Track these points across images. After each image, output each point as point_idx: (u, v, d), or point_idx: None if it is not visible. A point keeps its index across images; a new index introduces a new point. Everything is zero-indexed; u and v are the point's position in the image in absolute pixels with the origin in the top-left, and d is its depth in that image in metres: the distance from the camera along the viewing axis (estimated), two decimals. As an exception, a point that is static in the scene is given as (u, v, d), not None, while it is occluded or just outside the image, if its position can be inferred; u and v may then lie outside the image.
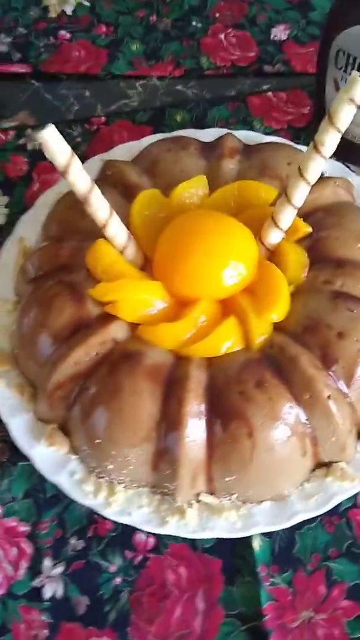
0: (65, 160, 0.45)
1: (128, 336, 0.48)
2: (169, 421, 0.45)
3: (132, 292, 0.48)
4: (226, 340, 0.47)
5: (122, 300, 0.48)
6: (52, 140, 0.44)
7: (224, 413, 0.45)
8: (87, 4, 0.77)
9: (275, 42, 0.73)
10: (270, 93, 0.69)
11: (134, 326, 0.49)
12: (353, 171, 0.63)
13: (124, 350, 0.47)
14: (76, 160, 0.45)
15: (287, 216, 0.49)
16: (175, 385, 0.46)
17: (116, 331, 0.48)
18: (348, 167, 0.63)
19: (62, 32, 0.75)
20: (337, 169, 0.61)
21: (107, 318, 0.48)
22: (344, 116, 0.44)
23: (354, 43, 0.55)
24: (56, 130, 0.44)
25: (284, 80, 0.71)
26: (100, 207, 0.48)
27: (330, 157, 0.61)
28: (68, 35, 0.75)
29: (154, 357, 0.47)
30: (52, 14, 0.77)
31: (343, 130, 0.45)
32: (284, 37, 0.73)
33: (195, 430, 0.45)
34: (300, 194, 0.48)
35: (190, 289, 0.49)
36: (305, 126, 0.68)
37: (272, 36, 0.73)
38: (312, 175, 0.47)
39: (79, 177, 0.46)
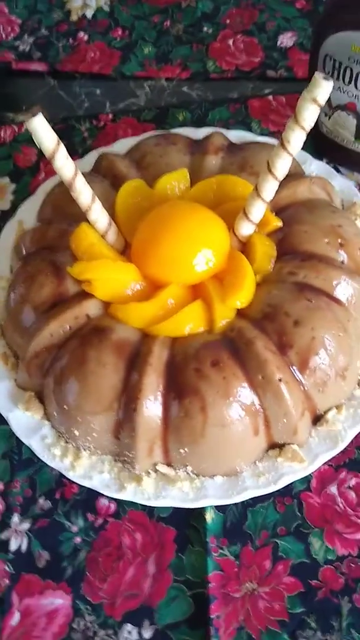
0: (52, 147, 0.49)
1: (101, 313, 0.52)
2: (129, 393, 0.48)
3: (106, 272, 0.52)
4: (190, 322, 0.50)
5: (97, 279, 0.52)
6: (40, 128, 0.48)
7: (179, 388, 0.48)
8: (106, 8, 0.82)
9: (281, 49, 0.76)
10: (270, 97, 0.72)
11: (107, 305, 0.52)
12: (343, 173, 0.66)
13: (95, 325, 0.51)
14: (62, 147, 0.49)
15: (257, 209, 0.52)
16: (137, 360, 0.49)
17: (90, 308, 0.52)
18: (338, 169, 0.66)
19: (81, 34, 0.80)
20: (324, 170, 0.63)
21: (83, 295, 0.52)
22: (308, 115, 0.46)
23: (339, 49, 0.57)
24: (44, 118, 0.48)
25: (285, 85, 0.74)
26: (83, 192, 0.52)
27: (321, 160, 0.65)
28: (86, 37, 0.79)
29: (121, 333, 0.50)
30: (74, 17, 0.82)
31: (308, 129, 0.47)
32: (290, 43, 0.76)
33: (153, 402, 0.48)
34: (269, 189, 0.50)
35: (162, 272, 0.52)
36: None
37: (278, 43, 0.76)
38: (280, 171, 0.49)
39: (65, 163, 0.50)
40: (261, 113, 0.71)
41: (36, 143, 0.49)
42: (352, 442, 0.51)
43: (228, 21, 0.79)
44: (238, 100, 0.73)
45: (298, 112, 0.47)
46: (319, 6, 0.78)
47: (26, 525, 0.53)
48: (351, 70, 0.58)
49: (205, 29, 0.78)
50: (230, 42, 0.77)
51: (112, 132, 0.72)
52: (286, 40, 0.76)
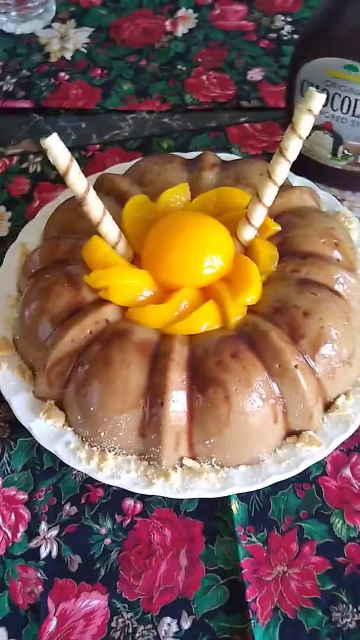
0: (66, 163, 0.52)
1: (119, 318, 0.55)
2: (154, 389, 0.51)
3: (122, 277, 0.55)
4: (206, 320, 0.53)
5: (113, 285, 0.54)
6: (55, 146, 0.51)
7: (203, 380, 0.50)
8: (84, 50, 0.87)
9: (251, 82, 0.82)
10: (247, 124, 0.78)
11: (124, 309, 0.55)
12: (323, 189, 0.71)
13: (115, 328, 0.53)
14: (75, 164, 0.52)
15: (259, 214, 0.56)
16: (160, 358, 0.51)
17: (108, 313, 0.54)
18: (317, 185, 0.71)
19: (62, 74, 0.84)
20: (307, 185, 0.68)
21: (100, 302, 0.55)
22: (304, 124, 0.51)
23: (315, 74, 0.63)
24: (58, 137, 0.51)
25: (259, 114, 0.80)
26: (95, 206, 0.55)
27: (302, 177, 0.70)
28: (67, 77, 0.84)
29: (141, 334, 0.53)
30: (53, 59, 0.86)
31: (304, 136, 0.52)
32: (259, 77, 0.83)
33: (177, 397, 0.50)
34: (269, 194, 0.55)
35: (174, 277, 0.55)
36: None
37: (248, 77, 0.83)
38: (279, 176, 0.54)
39: (78, 178, 0.53)
40: (240, 139, 0.77)
41: (51, 160, 0.52)
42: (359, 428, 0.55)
43: (200, 60, 0.85)
44: (217, 128, 0.78)
45: (295, 122, 0.52)
46: (282, 45, 0.86)
47: (54, 532, 0.53)
48: (328, 92, 0.64)
49: (179, 66, 0.84)
50: (204, 77, 0.83)
51: (101, 161, 0.76)
52: (255, 75, 0.83)
